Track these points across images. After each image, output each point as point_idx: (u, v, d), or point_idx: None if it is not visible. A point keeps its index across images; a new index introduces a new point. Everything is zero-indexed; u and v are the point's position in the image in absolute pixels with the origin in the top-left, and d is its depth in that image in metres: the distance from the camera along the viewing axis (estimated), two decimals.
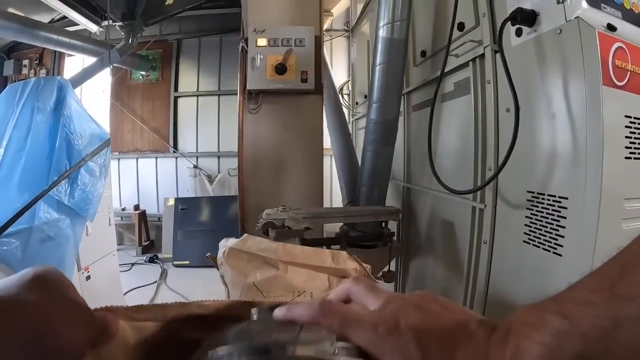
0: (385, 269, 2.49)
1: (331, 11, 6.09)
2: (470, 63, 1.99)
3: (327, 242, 2.32)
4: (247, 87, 3.00)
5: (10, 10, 5.49)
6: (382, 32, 2.47)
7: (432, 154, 2.15)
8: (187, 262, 6.28)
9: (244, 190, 3.20)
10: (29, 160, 3.25)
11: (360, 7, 4.65)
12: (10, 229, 2.92)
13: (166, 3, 5.95)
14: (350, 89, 5.32)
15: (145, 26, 6.29)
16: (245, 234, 1.58)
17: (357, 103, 4.85)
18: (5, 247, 2.87)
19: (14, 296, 0.34)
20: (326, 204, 4.68)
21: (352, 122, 4.93)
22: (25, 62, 8.26)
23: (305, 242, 2.11)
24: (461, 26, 2.04)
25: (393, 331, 0.39)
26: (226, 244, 1.63)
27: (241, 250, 1.52)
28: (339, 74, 6.25)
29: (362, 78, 4.47)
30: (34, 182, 3.24)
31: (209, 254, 1.84)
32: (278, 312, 0.46)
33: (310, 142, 3.17)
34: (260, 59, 2.94)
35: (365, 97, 4.00)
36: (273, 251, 1.48)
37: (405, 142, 3.06)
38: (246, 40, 3.07)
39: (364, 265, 1.50)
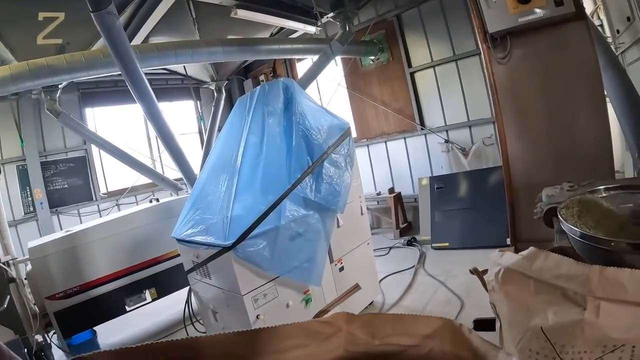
0: None
1: None
2: None
3: None
4: (489, 31, 2.45)
5: (229, 37, 6.22)
6: None
7: None
8: (447, 243, 5.89)
9: (510, 161, 2.61)
10: (267, 163, 3.40)
11: None
12: (257, 231, 3.08)
13: None
14: (602, 17, 4.17)
15: (358, 9, 6.20)
16: (533, 248, 1.11)
17: (618, 32, 3.73)
18: (252, 249, 3.04)
19: None
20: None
21: (618, 57, 3.68)
22: (262, 77, 9.46)
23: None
24: None
25: None
26: (501, 260, 1.15)
27: (526, 274, 1.06)
28: None
29: None
30: (276, 183, 3.37)
31: (473, 267, 1.38)
32: None
33: (584, 86, 2.41)
34: None
35: (629, 19, 3.14)
36: (581, 280, 0.95)
37: None
38: None
39: None
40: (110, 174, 8.58)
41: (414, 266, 5.33)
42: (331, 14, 6.04)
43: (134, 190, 8.58)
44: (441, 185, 6.54)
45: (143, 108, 4.40)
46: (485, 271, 1.28)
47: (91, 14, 3.46)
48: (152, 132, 8.75)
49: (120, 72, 4.18)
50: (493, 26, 2.40)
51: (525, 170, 2.52)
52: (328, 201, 3.63)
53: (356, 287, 3.95)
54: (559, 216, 1.31)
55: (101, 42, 5.45)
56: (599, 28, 4.23)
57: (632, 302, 0.87)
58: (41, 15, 5.15)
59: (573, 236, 1.20)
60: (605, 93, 2.81)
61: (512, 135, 2.62)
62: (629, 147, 2.84)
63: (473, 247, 5.46)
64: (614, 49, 3.75)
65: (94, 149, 8.22)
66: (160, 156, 8.99)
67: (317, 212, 3.58)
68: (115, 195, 8.50)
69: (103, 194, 8.43)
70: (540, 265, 1.01)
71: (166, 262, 4.78)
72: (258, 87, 3.90)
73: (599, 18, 4.32)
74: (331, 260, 3.87)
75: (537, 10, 2.31)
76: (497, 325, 1.14)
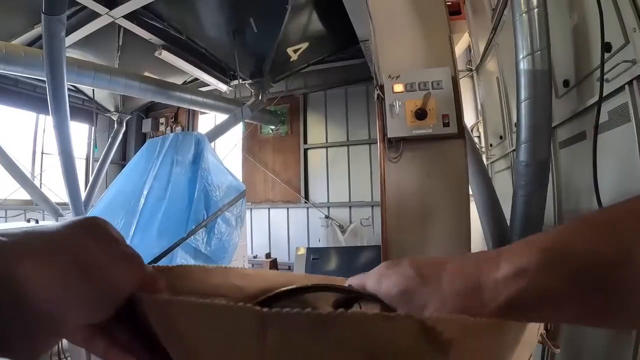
0: None
1: None
2: (627, 86, 1.69)
3: None
4: (388, 135, 2.88)
5: (146, 74, 6.23)
6: (523, 65, 2.29)
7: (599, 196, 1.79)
8: None
9: (388, 239, 3.01)
10: (168, 209, 3.45)
11: (482, 45, 4.37)
12: None
13: (291, 59, 6.23)
14: (480, 130, 4.97)
15: (273, 83, 6.66)
16: None
17: (491, 145, 4.50)
18: None
19: (69, 235, 0.35)
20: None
21: (488, 165, 4.53)
22: (162, 120, 9.38)
23: None
24: (608, 47, 1.78)
25: (394, 264, 0.47)
26: None
27: None
28: (465, 116, 5.92)
29: (495, 118, 4.12)
30: (173, 229, 3.41)
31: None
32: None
33: (455, 190, 2.92)
34: (398, 106, 2.83)
35: (501, 137, 3.80)
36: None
37: (555, 183, 2.70)
38: (381, 87, 2.99)
39: None
40: None
41: None
42: (249, 81, 6.41)
43: (4, 205, 7.39)
44: (317, 257, 6.81)
45: (54, 121, 4.15)
46: None
47: (42, 15, 3.40)
48: (39, 148, 7.91)
49: (31, 76, 3.94)
50: (392, 132, 2.80)
51: (399, 247, 2.91)
52: (216, 255, 3.74)
53: None
54: None
55: (22, 39, 5.07)
56: (477, 139, 5.14)
57: None
58: None
59: None
60: (471, 193, 3.50)
61: (392, 223, 3.02)
62: (485, 239, 3.49)
63: None
64: (485, 159, 4.51)
65: None
66: (41, 174, 8.00)
67: (205, 265, 3.66)
68: None
69: None
70: None
71: None
72: (171, 135, 3.99)
73: (478, 130, 5.12)
74: None
75: (429, 126, 2.84)
76: None
